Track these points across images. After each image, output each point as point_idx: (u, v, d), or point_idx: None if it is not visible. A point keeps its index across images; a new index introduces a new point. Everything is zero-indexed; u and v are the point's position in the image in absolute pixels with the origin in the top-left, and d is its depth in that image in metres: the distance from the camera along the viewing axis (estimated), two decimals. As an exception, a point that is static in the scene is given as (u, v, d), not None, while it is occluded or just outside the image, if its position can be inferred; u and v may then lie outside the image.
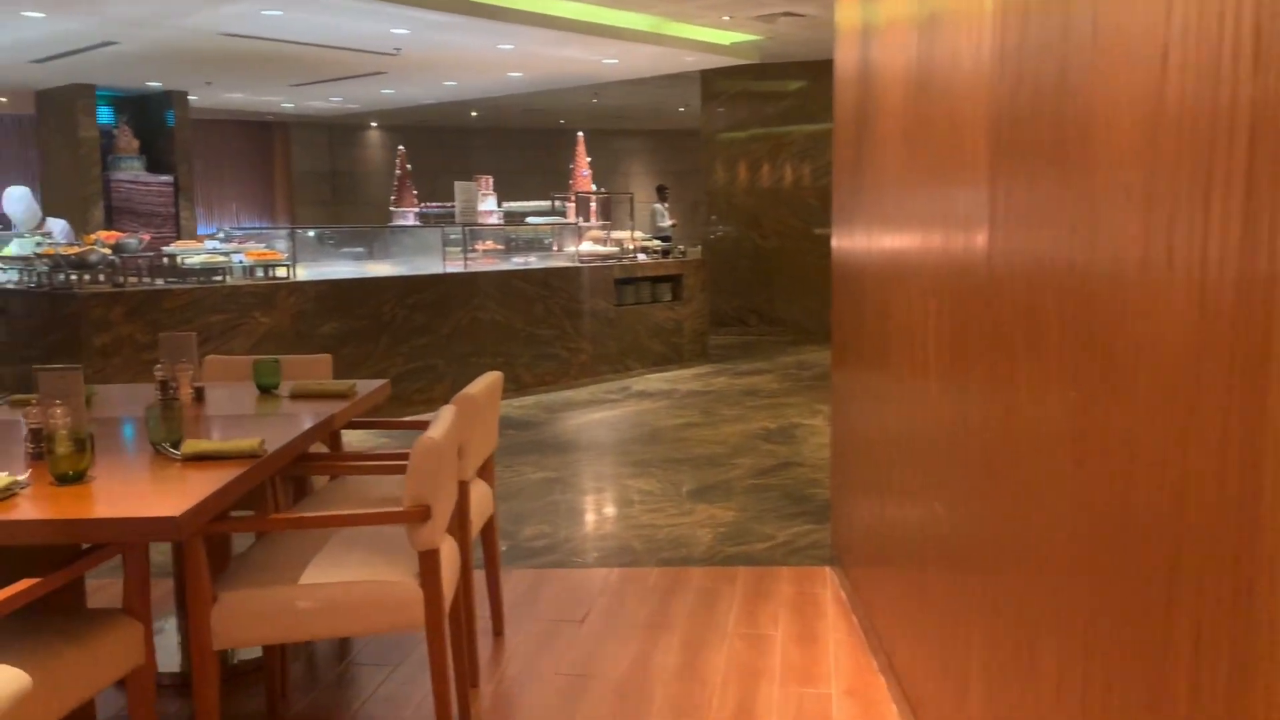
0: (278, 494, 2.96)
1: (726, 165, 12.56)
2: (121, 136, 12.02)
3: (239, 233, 9.16)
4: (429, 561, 2.39)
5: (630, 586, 3.92)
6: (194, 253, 6.91)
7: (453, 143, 18.83)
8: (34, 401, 2.50)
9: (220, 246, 7.19)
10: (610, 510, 5.03)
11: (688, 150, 19.28)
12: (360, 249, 8.50)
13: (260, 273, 7.10)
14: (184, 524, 1.93)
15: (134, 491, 2.21)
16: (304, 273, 7.38)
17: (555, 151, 18.49)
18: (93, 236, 6.81)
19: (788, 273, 12.26)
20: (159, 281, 6.79)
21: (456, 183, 8.56)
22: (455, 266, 8.21)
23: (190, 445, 2.40)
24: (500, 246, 9.49)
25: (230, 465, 2.31)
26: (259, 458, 2.37)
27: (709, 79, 12.40)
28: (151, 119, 12.42)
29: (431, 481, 2.36)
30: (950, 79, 2.34)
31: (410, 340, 7.67)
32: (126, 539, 2.01)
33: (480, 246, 9.52)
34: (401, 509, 2.37)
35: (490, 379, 3.22)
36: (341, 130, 18.82)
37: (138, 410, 2.99)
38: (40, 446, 2.39)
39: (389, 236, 8.88)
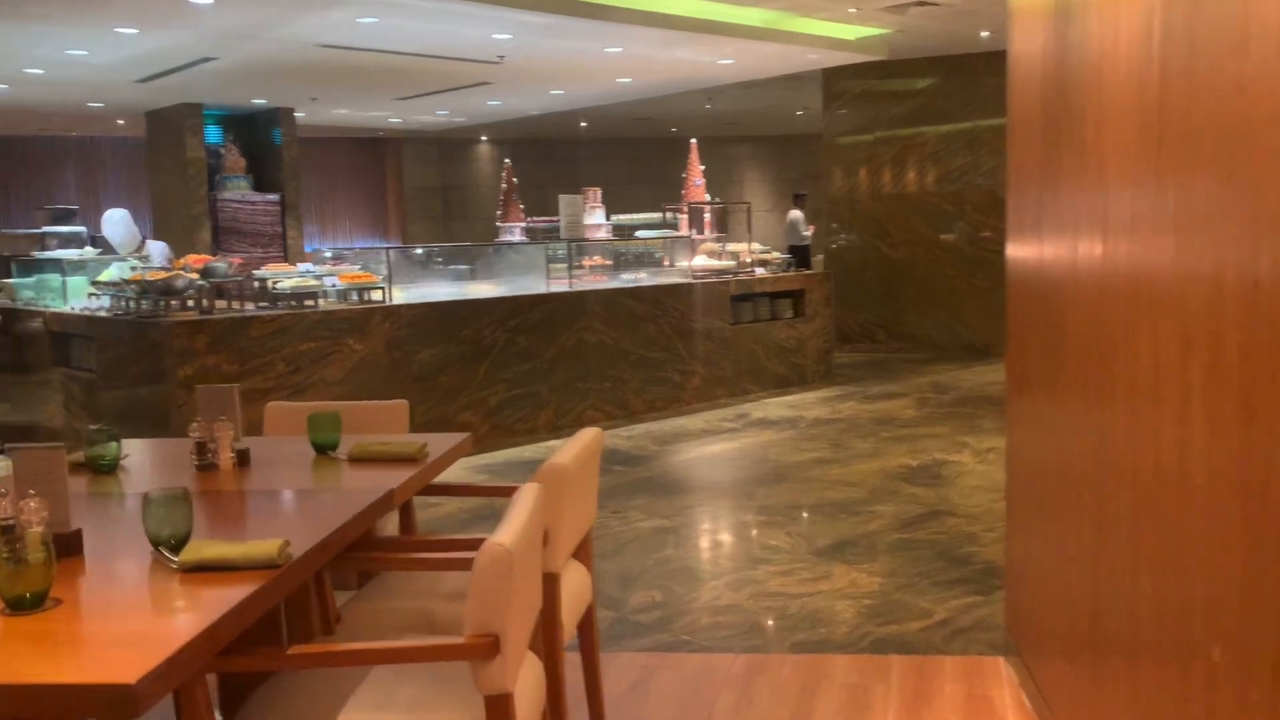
0: (325, 588, 2.40)
1: (849, 170, 11.76)
2: (228, 155, 11.92)
3: (348, 250, 8.86)
4: (498, 711, 1.78)
5: (760, 681, 3.25)
6: (285, 276, 6.53)
7: (561, 155, 18.46)
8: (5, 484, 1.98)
9: (313, 269, 6.80)
10: (732, 572, 4.36)
11: (806, 156, 18.50)
12: (463, 267, 8.05)
13: (355, 296, 6.69)
14: (141, 694, 1.36)
15: (98, 630, 1.66)
16: (401, 295, 6.94)
17: (666, 162, 17.95)
18: (182, 260, 6.50)
19: (917, 284, 11.40)
20: (249, 307, 6.44)
21: (561, 196, 8.03)
22: (560, 285, 7.69)
23: (193, 550, 1.85)
24: (608, 262, 8.93)
25: (241, 580, 1.75)
26: (279, 568, 1.79)
27: (831, 78, 11.64)
28: (259, 137, 12.32)
29: (500, 605, 1.75)
30: (1236, 45, 1.62)
31: (512, 366, 7.16)
32: (61, 715, 1.45)
33: (587, 263, 8.99)
34: (460, 641, 1.76)
35: (586, 440, 2.61)
36: (451, 145, 18.64)
37: (176, 479, 2.49)
38: (12, 549, 1.86)
39: (491, 254, 8.41)
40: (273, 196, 12.00)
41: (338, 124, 14.92)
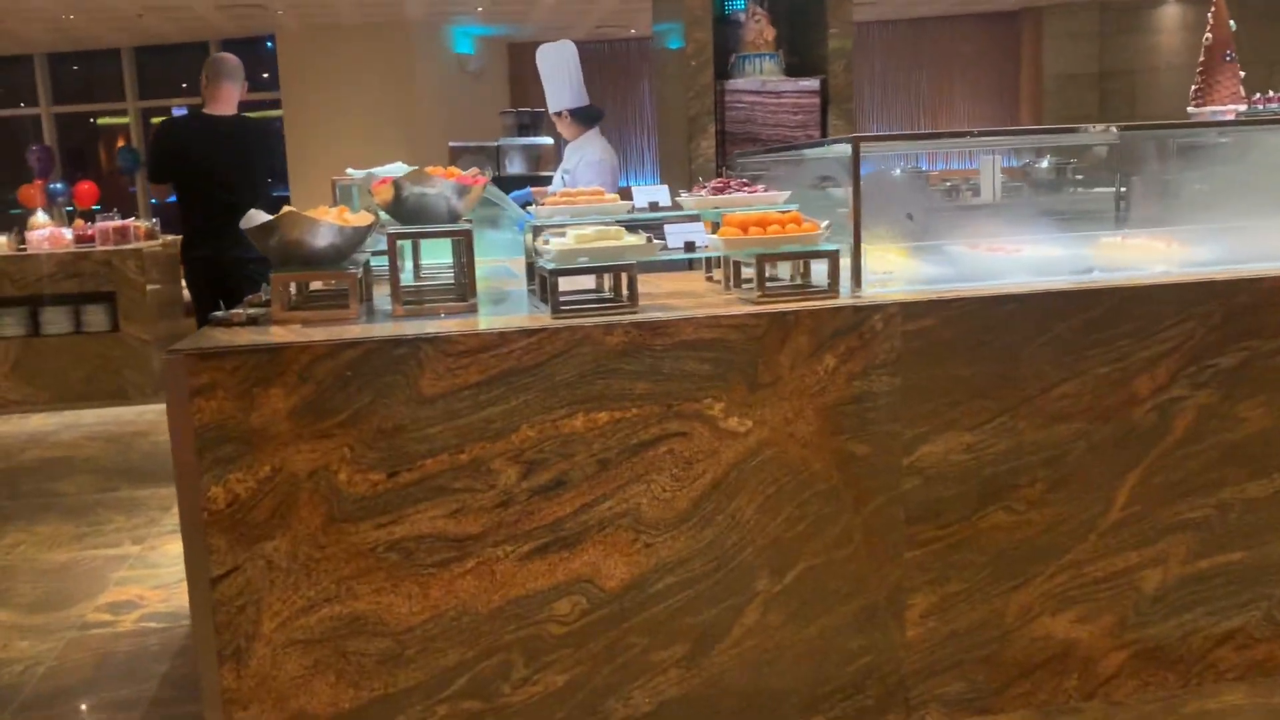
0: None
1: None
2: (751, 24, 8.23)
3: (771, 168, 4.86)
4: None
5: None
6: (575, 220, 2.58)
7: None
8: None
9: (659, 206, 2.74)
10: None
11: None
12: (1096, 192, 3.42)
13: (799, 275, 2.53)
14: None
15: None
16: (907, 267, 2.65)
17: None
18: (383, 181, 2.84)
19: None
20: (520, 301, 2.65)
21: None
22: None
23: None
24: None
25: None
26: None
27: None
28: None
29: None
30: None
31: (1210, 484, 2.49)
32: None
33: None
34: None
35: None
36: (1118, 13, 13.35)
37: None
38: None
39: (1179, 159, 3.62)
40: (808, 83, 8.11)
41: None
